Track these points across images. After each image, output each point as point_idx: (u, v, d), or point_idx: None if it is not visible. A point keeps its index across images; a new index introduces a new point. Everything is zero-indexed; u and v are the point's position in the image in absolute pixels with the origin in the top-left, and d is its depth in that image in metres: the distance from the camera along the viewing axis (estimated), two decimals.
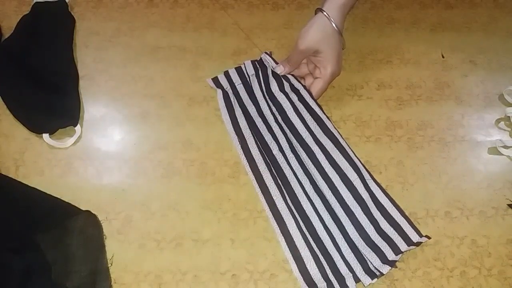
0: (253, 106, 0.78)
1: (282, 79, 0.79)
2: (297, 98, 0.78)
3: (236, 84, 0.81)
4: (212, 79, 0.81)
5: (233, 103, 0.78)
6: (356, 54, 0.88)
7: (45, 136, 0.73)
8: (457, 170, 0.74)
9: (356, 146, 0.75)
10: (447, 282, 0.63)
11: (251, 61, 0.83)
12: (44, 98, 0.77)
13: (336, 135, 0.74)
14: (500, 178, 0.74)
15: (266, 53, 0.82)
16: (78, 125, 0.75)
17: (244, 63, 0.82)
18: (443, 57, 0.89)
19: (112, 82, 0.82)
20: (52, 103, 0.77)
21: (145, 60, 0.84)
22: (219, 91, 0.79)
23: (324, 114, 0.77)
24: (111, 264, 0.62)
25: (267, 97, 0.79)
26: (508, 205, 0.71)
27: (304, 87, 0.80)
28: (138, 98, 0.80)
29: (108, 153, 0.73)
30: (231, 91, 0.80)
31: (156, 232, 0.65)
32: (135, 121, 0.77)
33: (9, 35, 0.85)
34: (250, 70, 0.82)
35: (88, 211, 0.65)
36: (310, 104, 0.77)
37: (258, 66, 0.82)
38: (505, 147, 0.77)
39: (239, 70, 0.82)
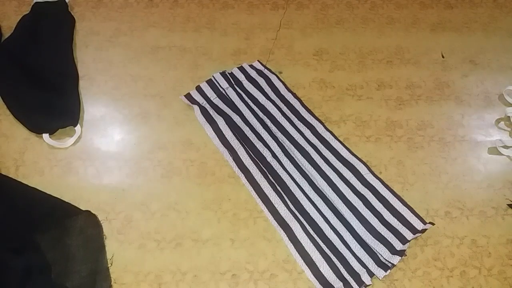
0: (237, 116, 0.76)
1: (269, 87, 0.80)
2: (286, 107, 0.79)
3: (211, 98, 0.79)
4: (185, 95, 0.79)
5: (213, 116, 0.76)
6: (356, 54, 0.88)
7: (45, 136, 0.73)
8: (457, 170, 0.74)
9: (356, 146, 0.75)
10: (447, 282, 0.63)
11: (221, 73, 0.82)
12: (44, 98, 0.77)
13: (326, 137, 0.75)
14: (500, 178, 0.74)
15: (259, 61, 0.83)
16: (78, 125, 0.75)
17: (213, 76, 0.81)
18: (443, 57, 0.89)
19: (112, 82, 0.82)
20: (52, 103, 0.77)
21: (145, 60, 0.84)
22: (196, 107, 0.77)
23: (316, 119, 0.77)
24: (111, 264, 0.62)
25: (252, 105, 0.78)
26: (508, 205, 0.71)
27: (294, 95, 0.80)
28: (138, 98, 0.80)
29: (108, 153, 0.73)
30: (208, 105, 0.78)
31: (156, 232, 0.65)
32: (135, 121, 0.77)
33: (9, 35, 0.85)
34: (223, 83, 0.80)
35: (88, 211, 0.65)
36: (300, 111, 0.78)
37: (230, 78, 0.81)
38: (505, 147, 0.77)
39: (211, 83, 0.81)
